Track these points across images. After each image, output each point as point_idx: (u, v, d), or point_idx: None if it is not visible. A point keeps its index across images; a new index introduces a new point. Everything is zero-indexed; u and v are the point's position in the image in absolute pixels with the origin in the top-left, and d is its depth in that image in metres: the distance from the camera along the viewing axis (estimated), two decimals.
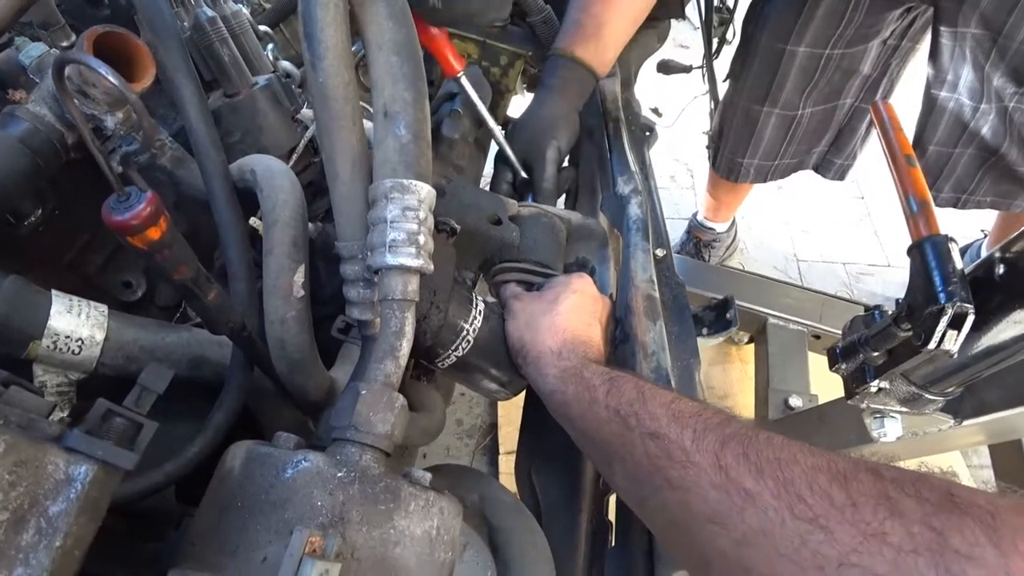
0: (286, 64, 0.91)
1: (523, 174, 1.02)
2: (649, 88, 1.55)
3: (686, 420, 0.51)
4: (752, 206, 2.19)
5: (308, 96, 0.89)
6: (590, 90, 1.09)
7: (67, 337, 0.55)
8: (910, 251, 0.70)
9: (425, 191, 0.54)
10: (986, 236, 2.05)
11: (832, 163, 1.66)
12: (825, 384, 1.31)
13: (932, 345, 0.65)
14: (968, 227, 2.13)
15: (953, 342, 0.65)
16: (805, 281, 2.17)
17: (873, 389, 0.80)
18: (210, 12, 0.72)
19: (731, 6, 1.57)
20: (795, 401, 1.36)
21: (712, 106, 1.70)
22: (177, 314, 0.76)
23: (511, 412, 1.60)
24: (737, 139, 1.62)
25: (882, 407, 0.86)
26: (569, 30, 1.06)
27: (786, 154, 1.62)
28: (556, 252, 0.85)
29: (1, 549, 0.28)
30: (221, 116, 0.71)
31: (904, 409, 0.85)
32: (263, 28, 0.95)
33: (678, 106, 1.75)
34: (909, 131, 0.83)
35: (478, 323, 0.69)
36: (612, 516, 0.75)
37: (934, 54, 1.36)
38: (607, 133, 1.15)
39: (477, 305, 0.71)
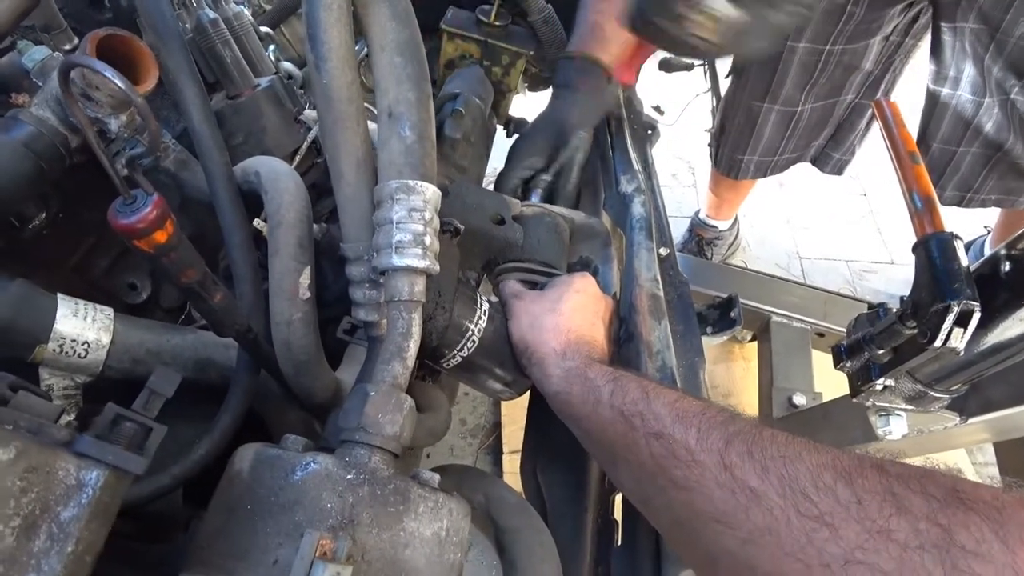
0: (288, 65, 0.92)
1: (548, 172, 1.01)
2: (650, 86, 1.54)
3: (690, 419, 0.51)
4: (754, 203, 2.19)
5: (310, 97, 0.90)
6: (603, 92, 1.09)
7: (73, 340, 0.54)
8: (915, 248, 0.70)
9: (431, 192, 0.54)
10: (989, 233, 2.05)
11: (830, 157, 1.66)
12: (829, 382, 1.31)
13: (938, 343, 0.65)
14: (971, 224, 2.13)
15: (959, 340, 0.65)
16: (808, 279, 2.17)
17: (878, 387, 0.80)
18: (212, 14, 0.72)
19: None
20: (799, 399, 1.35)
21: (714, 103, 1.70)
22: (182, 316, 0.76)
23: (515, 412, 1.60)
24: (738, 136, 1.62)
25: (887, 405, 0.86)
26: (587, 32, 1.06)
27: (786, 149, 1.62)
28: (560, 252, 0.85)
29: (13, 555, 0.28)
30: (224, 118, 0.71)
31: (909, 407, 0.85)
32: (264, 29, 0.95)
33: (680, 104, 1.75)
34: (912, 128, 0.82)
35: (483, 323, 0.69)
36: (618, 515, 0.75)
37: (935, 50, 1.36)
38: (609, 132, 1.15)
39: (482, 305, 0.71)
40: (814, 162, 1.70)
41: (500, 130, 1.20)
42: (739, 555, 0.44)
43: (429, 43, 0.70)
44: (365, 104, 0.58)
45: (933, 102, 1.41)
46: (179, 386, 0.41)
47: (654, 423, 0.52)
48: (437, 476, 0.47)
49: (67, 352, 0.54)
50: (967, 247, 2.14)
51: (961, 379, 0.77)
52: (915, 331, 0.69)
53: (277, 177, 0.61)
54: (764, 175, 1.69)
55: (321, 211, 0.75)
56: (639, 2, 0.79)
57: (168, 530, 0.58)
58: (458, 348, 0.68)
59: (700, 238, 2.15)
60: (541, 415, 0.83)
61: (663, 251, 0.95)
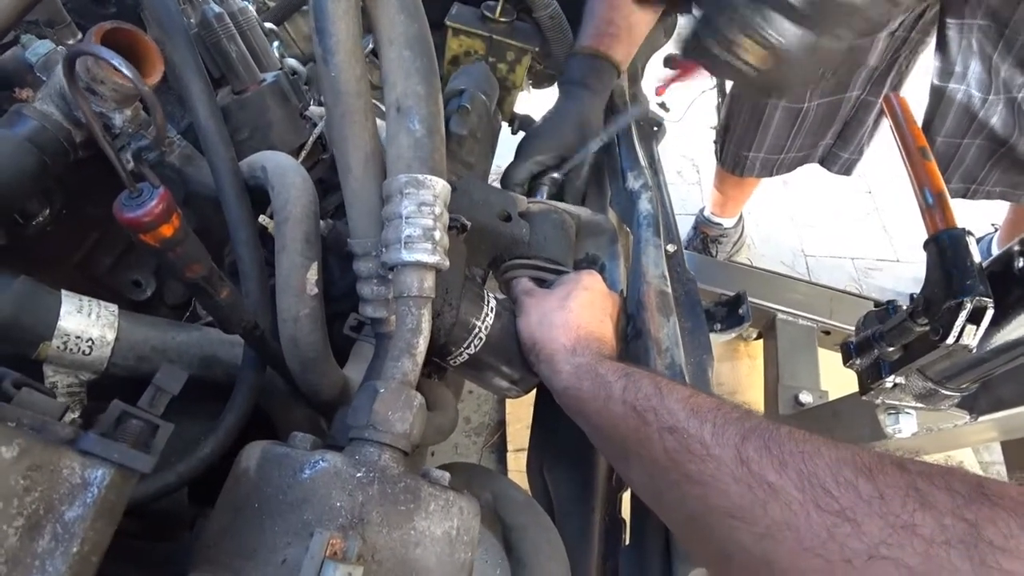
0: (292, 61, 0.91)
1: (557, 170, 1.00)
2: (656, 83, 1.54)
3: (705, 414, 0.50)
4: (759, 201, 2.18)
5: (315, 93, 0.89)
6: (611, 90, 1.08)
7: (77, 337, 0.54)
8: (926, 245, 0.69)
9: (440, 186, 0.54)
10: (997, 230, 2.04)
11: (838, 156, 1.65)
12: (835, 380, 1.30)
13: (950, 340, 0.64)
14: (978, 221, 2.12)
15: (972, 337, 0.64)
16: (813, 276, 2.16)
17: (888, 385, 0.80)
18: (217, 8, 0.72)
19: None
20: (805, 397, 1.35)
21: (719, 100, 1.69)
22: (187, 313, 0.75)
23: (519, 410, 1.60)
24: (743, 133, 1.61)
25: (897, 403, 0.85)
26: (600, 28, 1.05)
27: (792, 147, 1.61)
28: (566, 248, 0.85)
29: (17, 556, 0.27)
30: (230, 113, 0.71)
31: (919, 405, 0.84)
32: (268, 26, 0.94)
33: (685, 101, 1.74)
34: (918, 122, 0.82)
35: (490, 320, 0.69)
36: (626, 513, 0.74)
37: (941, 46, 1.35)
38: None
39: (489, 302, 0.70)
40: (822, 162, 1.69)
41: (505, 127, 1.19)
42: (755, 551, 0.43)
43: (434, 39, 0.70)
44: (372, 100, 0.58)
45: (938, 98, 1.40)
46: (185, 383, 0.41)
47: (668, 418, 0.52)
48: (447, 474, 0.46)
49: (71, 349, 0.54)
50: None
51: (972, 377, 0.76)
52: (926, 328, 0.68)
53: (284, 172, 0.60)
54: (770, 174, 1.68)
55: (327, 207, 0.75)
56: (695, 28, 0.80)
57: (174, 528, 0.58)
58: (465, 345, 0.68)
59: (705, 236, 2.14)
60: (548, 413, 0.83)
61: (670, 248, 0.94)
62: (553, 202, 0.89)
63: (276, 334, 0.59)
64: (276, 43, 0.96)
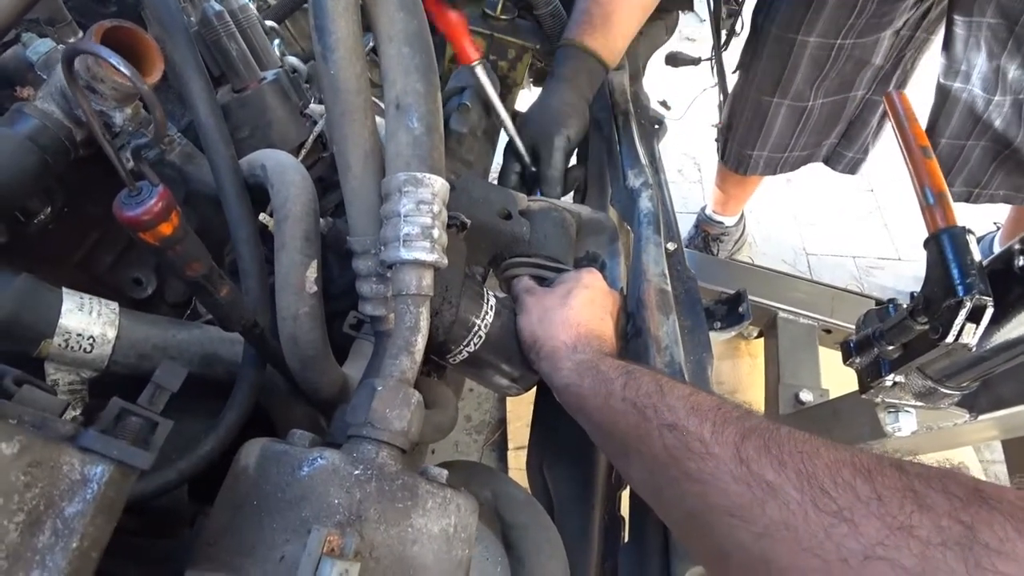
0: (293, 59, 0.91)
1: (531, 165, 1.01)
2: (657, 81, 1.54)
3: (705, 413, 0.51)
4: (761, 199, 2.18)
5: (315, 91, 0.89)
6: (599, 81, 1.08)
7: (79, 335, 0.54)
8: (927, 243, 0.69)
9: (439, 184, 0.54)
10: (999, 229, 2.03)
11: (843, 156, 1.64)
12: (836, 378, 1.30)
13: (950, 338, 0.64)
14: (980, 220, 2.12)
15: (972, 335, 0.64)
16: (814, 275, 2.16)
17: (888, 383, 0.80)
18: (217, 6, 0.72)
19: None
20: (806, 396, 1.35)
21: (721, 99, 1.69)
22: (187, 311, 0.75)
23: (520, 408, 1.60)
24: (746, 131, 1.60)
25: (897, 401, 0.85)
26: (578, 20, 1.05)
27: (796, 146, 1.61)
28: (566, 247, 0.85)
29: (17, 551, 0.27)
30: (230, 111, 0.71)
31: (919, 403, 0.84)
32: (269, 23, 0.94)
33: (686, 99, 1.74)
34: (922, 123, 0.82)
35: (489, 318, 0.69)
36: (625, 511, 0.74)
37: (947, 44, 1.34)
38: (616, 126, 1.14)
39: (488, 300, 0.70)
40: (827, 161, 1.68)
41: None
42: (753, 549, 0.43)
43: (434, 37, 0.70)
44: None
45: (943, 97, 1.40)
46: (184, 381, 0.41)
47: (668, 415, 0.52)
48: (445, 472, 0.46)
49: (72, 347, 0.54)
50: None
51: (972, 375, 0.76)
52: (926, 327, 0.69)
53: (283, 170, 0.60)
54: (774, 172, 1.68)
55: (327, 205, 0.75)
56: None
57: (173, 526, 0.58)
58: (464, 343, 0.68)
59: (706, 234, 2.14)
60: (548, 411, 0.83)
61: (671, 246, 0.94)
62: (554, 200, 0.89)
63: (276, 332, 0.59)
64: (277, 41, 0.96)
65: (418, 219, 0.51)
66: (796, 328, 1.49)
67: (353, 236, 0.57)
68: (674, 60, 1.58)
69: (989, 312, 0.63)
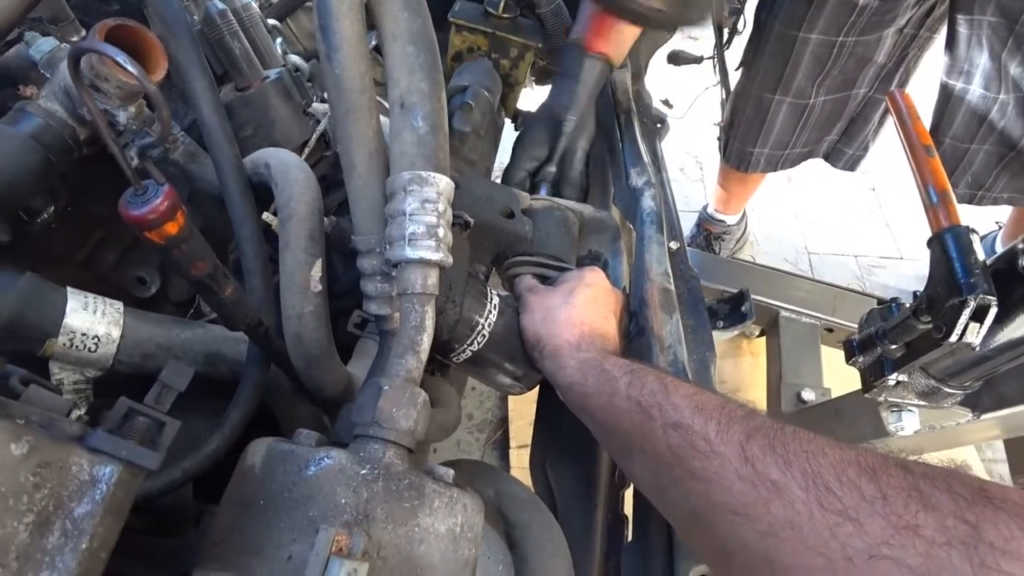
0: (295, 58, 0.91)
1: (553, 163, 1.00)
2: (659, 79, 1.53)
3: (710, 412, 0.51)
4: (762, 198, 2.18)
5: (318, 89, 0.89)
6: (604, 81, 1.08)
7: (83, 335, 0.54)
8: (930, 243, 0.69)
9: (444, 183, 0.54)
10: (1001, 228, 2.03)
11: (843, 152, 1.64)
12: (838, 377, 1.30)
13: (954, 338, 0.64)
14: (982, 219, 2.12)
15: (975, 335, 0.64)
16: (816, 274, 2.16)
17: (891, 382, 0.80)
18: (220, 5, 0.72)
19: None
20: (808, 395, 1.35)
21: (723, 97, 1.69)
22: (191, 310, 0.75)
23: (522, 406, 1.60)
24: (748, 128, 1.60)
25: (900, 400, 0.85)
26: (589, 22, 1.05)
27: (797, 143, 1.61)
28: (569, 245, 0.85)
29: (27, 552, 0.27)
30: (233, 110, 0.71)
31: (922, 403, 0.84)
32: (271, 22, 0.94)
33: (688, 97, 1.74)
34: (925, 122, 0.82)
35: (493, 317, 0.69)
36: (628, 510, 0.74)
37: (950, 43, 1.34)
38: (618, 125, 1.14)
39: (492, 299, 0.70)
40: (827, 158, 1.68)
41: (508, 123, 1.19)
42: (757, 548, 0.43)
43: (437, 35, 0.70)
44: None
45: (947, 96, 1.40)
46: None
47: (673, 414, 0.52)
48: (452, 471, 0.46)
49: (77, 346, 0.54)
50: None
51: (975, 375, 0.76)
52: (930, 326, 0.69)
53: (287, 169, 0.60)
54: (774, 169, 1.68)
55: (330, 204, 0.75)
56: None
57: (178, 524, 0.58)
58: (468, 342, 0.68)
59: (708, 232, 2.14)
60: (550, 410, 0.83)
61: (673, 245, 0.95)
62: (556, 199, 0.89)
63: (280, 331, 0.59)
64: (279, 39, 0.96)
65: (423, 218, 0.51)
66: (798, 327, 1.49)
67: (358, 235, 0.57)
68: (676, 59, 1.57)
69: (993, 312, 0.63)
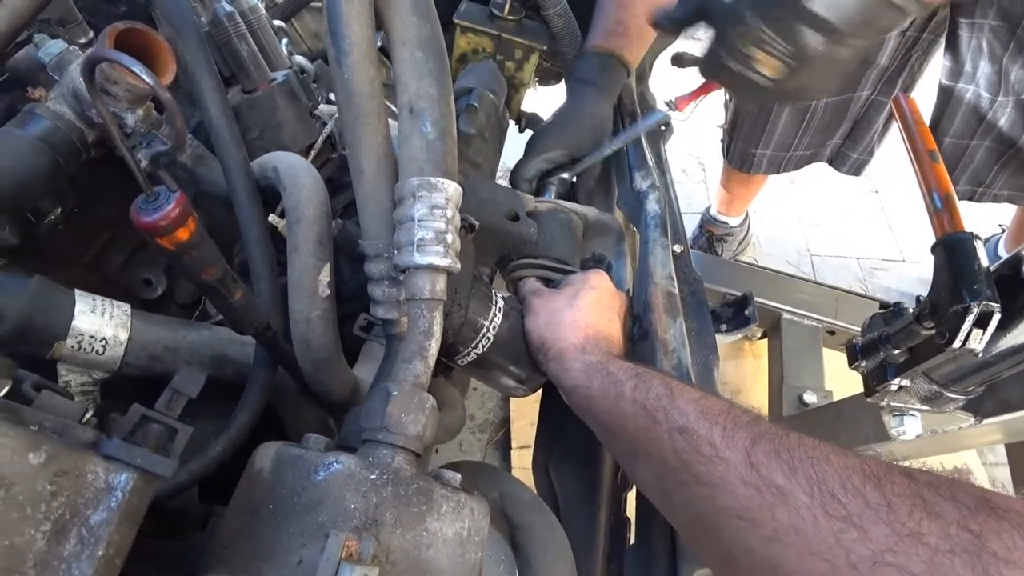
0: (300, 59, 0.91)
1: (570, 170, 1.00)
2: (663, 81, 1.53)
3: (715, 417, 0.51)
4: (765, 200, 2.18)
5: (323, 91, 0.89)
6: (619, 90, 1.09)
7: (91, 337, 0.54)
8: (934, 248, 0.69)
9: (452, 189, 0.54)
10: (1004, 231, 2.03)
11: (847, 156, 1.64)
12: (840, 380, 1.30)
13: (957, 344, 0.64)
14: (985, 222, 2.12)
15: (978, 341, 0.64)
16: (818, 276, 2.16)
17: (894, 387, 0.80)
18: (228, 7, 0.72)
19: None
20: (809, 397, 1.35)
21: (727, 98, 1.69)
22: (196, 311, 0.76)
23: (524, 407, 1.60)
24: (751, 129, 1.61)
25: (902, 405, 0.85)
26: (610, 28, 1.05)
27: (800, 145, 1.61)
28: (573, 248, 0.85)
29: (44, 559, 0.27)
30: (240, 112, 0.71)
31: (924, 407, 0.84)
32: (277, 23, 0.94)
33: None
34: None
35: (498, 320, 0.69)
36: (631, 512, 0.75)
37: (950, 46, 1.34)
38: (623, 128, 1.14)
39: (496, 302, 0.70)
40: (831, 162, 1.68)
41: (512, 125, 1.19)
42: (761, 554, 0.44)
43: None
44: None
45: (946, 98, 1.40)
46: None
47: (678, 418, 0.52)
48: (458, 476, 0.46)
49: (85, 349, 0.54)
50: None
51: (978, 380, 0.76)
52: (932, 332, 0.69)
53: (296, 173, 0.61)
54: (777, 171, 1.68)
55: (336, 206, 0.75)
56: (711, 46, 0.81)
57: (185, 527, 0.58)
58: (473, 345, 0.68)
59: (711, 234, 2.14)
60: (554, 411, 0.83)
61: (677, 248, 0.95)
62: (560, 201, 0.89)
63: (287, 334, 0.59)
64: (284, 40, 0.96)
65: (432, 224, 0.52)
66: (800, 329, 1.49)
67: (366, 239, 0.57)
68: (680, 61, 1.57)
69: (996, 318, 0.63)
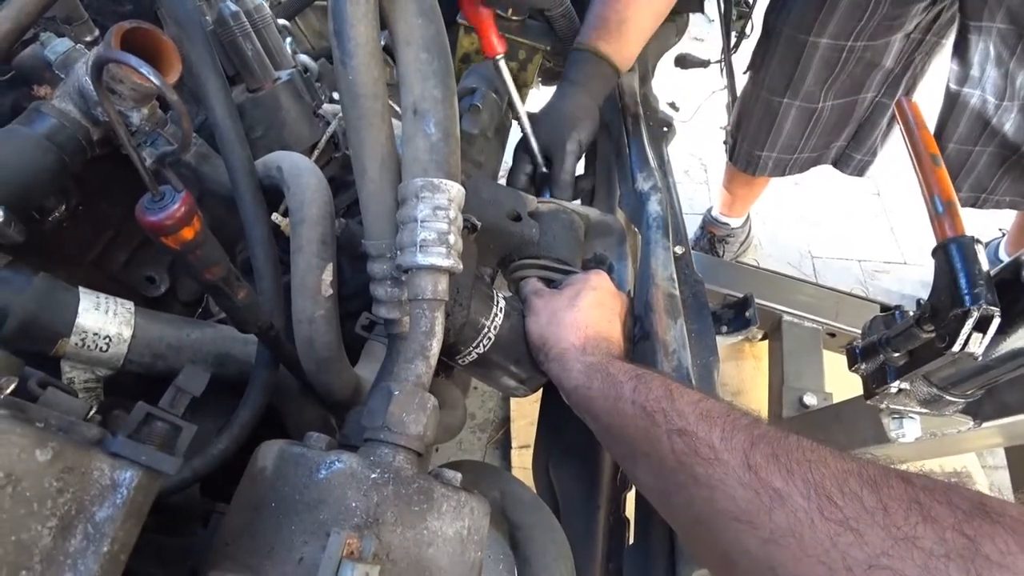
0: (304, 58, 0.91)
1: (542, 166, 1.01)
2: (666, 83, 1.54)
3: (714, 419, 0.51)
4: (767, 201, 2.18)
5: (326, 89, 0.89)
6: (612, 85, 1.08)
7: (95, 334, 0.55)
8: (935, 252, 0.69)
9: (455, 190, 0.54)
10: (1004, 235, 2.03)
11: (851, 158, 1.65)
12: (840, 382, 1.31)
13: (956, 347, 0.65)
14: (985, 226, 2.12)
15: (978, 345, 0.64)
16: (820, 278, 2.16)
17: (893, 390, 0.80)
18: (233, 6, 0.72)
19: (751, 0, 1.56)
20: (810, 399, 1.35)
21: (730, 100, 1.69)
22: (199, 309, 0.76)
23: (524, 407, 1.60)
24: (756, 131, 1.61)
25: (901, 408, 0.86)
26: (592, 25, 1.06)
27: (805, 148, 1.61)
28: (575, 248, 0.85)
29: (51, 555, 0.28)
30: (244, 111, 0.71)
31: (924, 410, 0.84)
32: (281, 21, 0.94)
33: (695, 101, 1.74)
34: (930, 127, 0.82)
35: (499, 320, 0.69)
36: (630, 513, 0.75)
37: (958, 49, 1.34)
38: (625, 129, 1.14)
39: (498, 302, 0.71)
40: (835, 163, 1.68)
41: (515, 125, 1.19)
42: (759, 555, 0.44)
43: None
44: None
45: (952, 102, 1.40)
46: None
47: (678, 420, 0.52)
48: (459, 475, 0.47)
49: (89, 346, 0.55)
50: None
51: (977, 383, 0.77)
52: (932, 335, 0.69)
53: (300, 173, 0.61)
54: (783, 174, 1.68)
55: (339, 205, 0.75)
56: None
57: (186, 523, 0.59)
58: (474, 345, 0.68)
59: (712, 235, 2.14)
60: (554, 411, 0.83)
61: (678, 250, 0.95)
62: (562, 202, 0.89)
63: (290, 333, 0.59)
64: (288, 39, 0.96)
65: (435, 225, 0.52)
66: (801, 331, 1.49)
67: (369, 240, 0.57)
68: (683, 62, 1.57)
69: (996, 322, 0.63)
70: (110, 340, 0.56)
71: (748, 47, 1.58)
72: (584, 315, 0.69)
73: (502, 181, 1.04)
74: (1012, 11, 1.19)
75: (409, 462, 0.45)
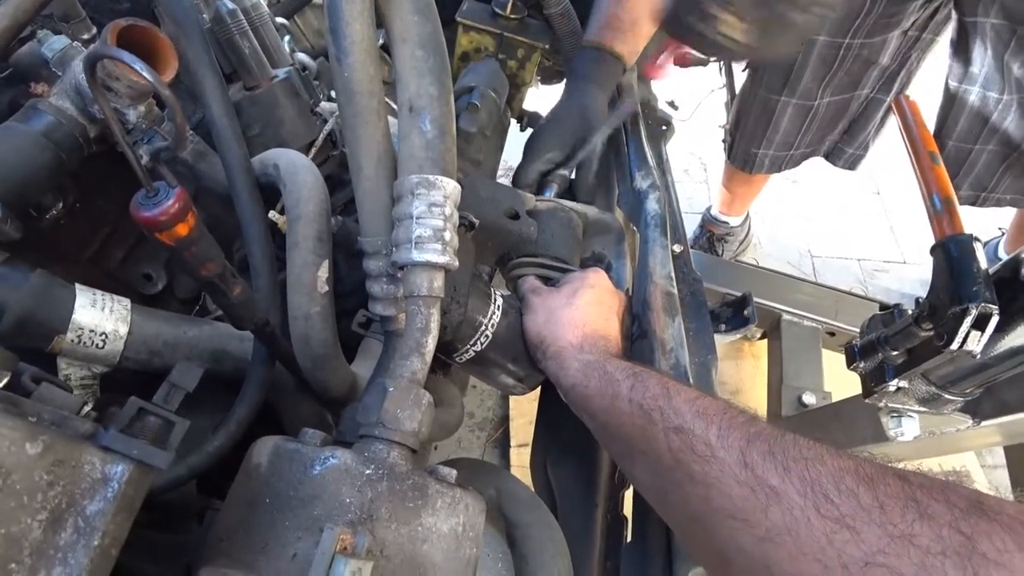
0: (302, 56, 0.91)
1: (565, 167, 1.00)
2: (665, 81, 1.54)
3: (711, 417, 0.51)
4: (766, 200, 2.18)
5: (324, 88, 0.89)
6: (616, 83, 1.09)
7: (91, 331, 0.55)
8: (933, 250, 0.69)
9: (451, 187, 0.54)
10: (1003, 234, 2.03)
11: (843, 151, 1.65)
12: (839, 381, 1.31)
13: (955, 346, 0.65)
14: (985, 225, 2.11)
15: (976, 343, 0.64)
16: (819, 277, 2.16)
17: (892, 388, 0.80)
18: (230, 4, 0.72)
19: None
20: (808, 398, 1.35)
21: (728, 99, 1.69)
22: (196, 306, 0.76)
23: (523, 405, 1.60)
24: (754, 129, 1.61)
25: (900, 406, 0.86)
26: (604, 24, 1.05)
27: (801, 144, 1.62)
28: (573, 247, 0.85)
29: (41, 548, 0.28)
30: (241, 109, 0.71)
31: (922, 409, 0.84)
32: (279, 19, 0.94)
33: (694, 99, 1.74)
34: (929, 125, 0.82)
35: (496, 318, 0.69)
36: (627, 511, 0.75)
37: (957, 46, 1.35)
38: (624, 127, 1.14)
39: (495, 300, 0.71)
40: (827, 156, 1.69)
41: (513, 124, 1.20)
42: (755, 553, 0.44)
43: (444, 35, 0.70)
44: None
45: (951, 99, 1.40)
46: None
47: (674, 418, 0.52)
48: (454, 472, 0.47)
49: (85, 343, 0.55)
50: None
51: (976, 382, 0.76)
52: (931, 333, 0.69)
53: (296, 170, 0.61)
54: (779, 170, 1.68)
55: (336, 203, 0.75)
56: (674, 3, 0.82)
57: (181, 519, 0.59)
58: (471, 343, 0.68)
59: (711, 234, 2.14)
60: (552, 410, 0.83)
61: (677, 248, 0.95)
62: (561, 200, 0.89)
63: (286, 330, 0.59)
64: (287, 37, 0.96)
65: (430, 221, 0.52)
66: (800, 330, 1.49)
67: (364, 236, 0.57)
68: (683, 61, 1.57)
69: (994, 320, 0.63)
70: (106, 337, 0.56)
71: None
72: (582, 313, 0.69)
73: (502, 180, 1.04)
74: (1006, 6, 1.19)
75: (404, 458, 0.45)
